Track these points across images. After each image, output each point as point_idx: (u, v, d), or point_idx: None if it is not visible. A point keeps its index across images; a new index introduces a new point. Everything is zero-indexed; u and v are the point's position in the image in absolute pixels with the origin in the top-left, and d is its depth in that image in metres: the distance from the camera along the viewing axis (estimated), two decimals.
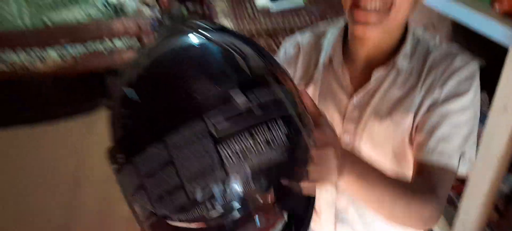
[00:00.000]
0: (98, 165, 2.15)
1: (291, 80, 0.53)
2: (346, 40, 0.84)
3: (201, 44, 0.48)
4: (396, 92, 0.79)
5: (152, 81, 0.47)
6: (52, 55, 2.32)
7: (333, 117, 0.85)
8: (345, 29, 0.85)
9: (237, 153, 0.41)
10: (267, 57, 0.50)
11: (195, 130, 0.41)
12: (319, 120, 0.56)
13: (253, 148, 0.42)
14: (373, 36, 0.76)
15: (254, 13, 2.59)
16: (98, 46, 2.40)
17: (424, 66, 0.78)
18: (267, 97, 0.44)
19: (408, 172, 0.82)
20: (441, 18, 1.62)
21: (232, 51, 0.46)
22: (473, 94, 0.75)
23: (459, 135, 0.74)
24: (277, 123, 0.44)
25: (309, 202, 0.54)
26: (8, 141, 2.39)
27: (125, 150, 0.47)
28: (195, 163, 0.41)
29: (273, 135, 0.43)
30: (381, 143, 0.80)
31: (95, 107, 2.60)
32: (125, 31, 2.41)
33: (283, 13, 2.54)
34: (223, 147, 0.41)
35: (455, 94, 0.74)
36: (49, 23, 2.44)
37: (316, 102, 0.80)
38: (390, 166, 0.82)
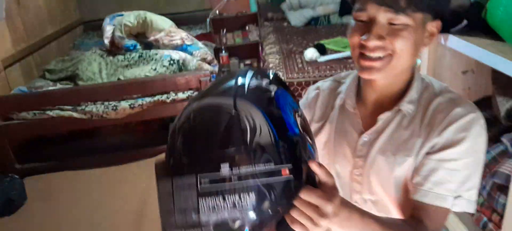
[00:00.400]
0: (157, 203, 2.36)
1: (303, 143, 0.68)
2: (359, 86, 0.94)
3: (228, 113, 0.65)
4: (401, 134, 0.86)
5: (182, 131, 0.68)
6: (124, 105, 2.61)
7: (345, 152, 0.93)
8: (359, 76, 0.94)
9: (209, 207, 0.59)
10: (278, 120, 0.65)
11: (190, 180, 0.61)
12: (323, 178, 0.69)
13: (221, 206, 0.59)
14: (379, 81, 0.86)
15: (303, 65, 2.77)
16: (164, 97, 2.66)
17: (427, 111, 0.84)
18: (247, 172, 0.60)
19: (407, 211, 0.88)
20: (481, 64, 1.69)
21: (244, 121, 0.63)
22: (471, 143, 0.79)
23: (454, 180, 0.79)
24: (248, 193, 0.60)
25: None
26: (80, 181, 2.66)
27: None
28: (183, 201, 0.61)
29: (241, 201, 0.59)
30: (387, 178, 0.87)
31: (158, 152, 2.86)
32: (187, 85, 2.66)
33: (329, 62, 2.70)
34: (202, 199, 0.60)
35: (452, 143, 0.79)
36: (122, 79, 2.78)
37: (332, 139, 0.93)
38: (396, 198, 0.89)
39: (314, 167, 0.68)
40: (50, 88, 2.83)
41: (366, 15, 0.78)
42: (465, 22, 1.54)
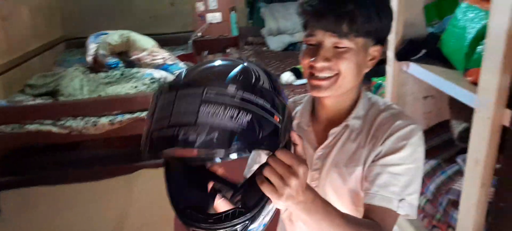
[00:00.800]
0: (136, 218, 2.41)
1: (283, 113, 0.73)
2: (314, 106, 1.04)
3: (234, 61, 0.74)
4: (350, 147, 0.95)
5: (193, 67, 0.75)
6: (103, 121, 2.67)
7: None
8: (313, 97, 1.03)
9: (208, 112, 0.63)
10: (276, 90, 0.72)
11: (196, 90, 0.65)
12: (298, 150, 0.75)
13: (220, 115, 0.63)
14: (328, 100, 0.96)
15: None
16: (143, 114, 2.73)
17: (373, 125, 0.94)
18: (249, 98, 0.66)
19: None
20: (440, 90, 1.84)
21: (252, 71, 0.71)
22: (411, 150, 0.88)
23: (397, 184, 0.87)
24: (245, 113, 0.65)
25: (262, 199, 0.71)
26: (58, 196, 2.68)
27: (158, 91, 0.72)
28: (184, 106, 0.65)
29: (238, 116, 0.64)
30: (340, 188, 0.95)
31: (135, 169, 2.89)
32: None
33: (304, 86, 2.84)
34: (204, 105, 0.64)
35: (394, 150, 0.89)
36: (104, 95, 2.84)
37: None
38: (349, 207, 0.96)
39: (295, 136, 0.74)
40: (30, 103, 2.86)
41: (314, 39, 0.88)
42: (424, 51, 1.69)
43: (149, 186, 2.74)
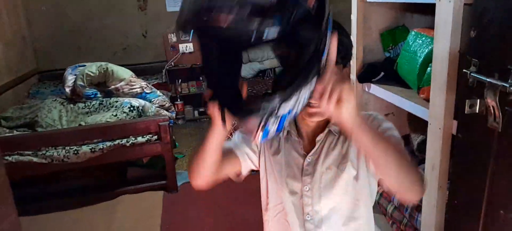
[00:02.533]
0: None
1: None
2: (295, 120, 1.11)
3: None
4: (337, 148, 1.06)
5: None
6: (85, 149, 2.73)
7: (295, 173, 1.09)
8: None
9: None
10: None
11: None
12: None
13: None
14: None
15: None
16: (124, 141, 2.81)
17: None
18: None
19: (362, 207, 1.07)
20: (399, 108, 2.06)
21: None
22: (385, 123, 1.03)
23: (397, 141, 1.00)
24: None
25: (299, 84, 0.72)
26: (36, 227, 2.68)
27: None
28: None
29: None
30: (334, 187, 1.05)
31: (116, 195, 2.96)
32: (147, 129, 2.84)
33: None
34: None
35: (376, 128, 1.01)
36: (83, 124, 2.91)
37: (284, 164, 1.10)
38: (345, 201, 1.07)
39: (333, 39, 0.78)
40: (7, 134, 2.88)
41: None
42: (382, 73, 1.91)
43: (131, 211, 2.81)
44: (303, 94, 0.75)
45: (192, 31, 0.71)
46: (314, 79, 0.75)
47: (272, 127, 0.76)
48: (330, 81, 0.77)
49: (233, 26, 0.65)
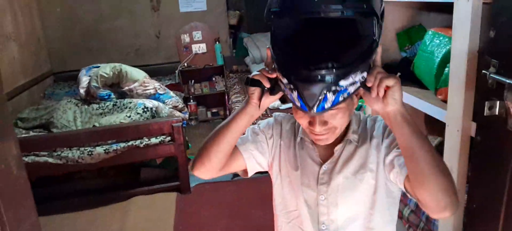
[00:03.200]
0: None
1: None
2: None
3: None
4: (354, 158, 1.03)
5: None
6: (99, 151, 2.76)
7: (310, 182, 1.06)
8: None
9: None
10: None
11: None
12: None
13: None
14: None
15: (266, 112, 3.06)
16: (137, 142, 2.83)
17: (368, 133, 1.05)
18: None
19: (379, 218, 1.04)
20: (416, 109, 2.03)
21: None
22: None
23: None
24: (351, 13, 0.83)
25: (357, 65, 0.83)
26: (52, 227, 2.73)
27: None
28: None
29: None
30: (350, 196, 1.03)
31: (129, 196, 2.99)
32: (160, 130, 2.86)
33: (289, 109, 3.01)
34: None
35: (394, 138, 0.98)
36: (98, 126, 2.94)
37: (299, 172, 1.09)
38: (361, 212, 1.04)
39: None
40: (23, 135, 2.93)
41: None
42: (398, 74, 1.88)
43: (144, 212, 2.83)
44: (358, 77, 0.84)
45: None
46: (367, 66, 0.85)
47: (330, 98, 0.84)
48: (381, 71, 0.84)
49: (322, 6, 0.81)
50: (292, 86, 0.86)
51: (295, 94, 0.86)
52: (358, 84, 0.85)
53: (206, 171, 1.04)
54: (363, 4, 0.84)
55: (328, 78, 0.82)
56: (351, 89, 0.85)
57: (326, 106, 0.85)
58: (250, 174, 1.14)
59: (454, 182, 0.85)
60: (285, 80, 0.88)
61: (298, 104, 0.87)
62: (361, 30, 0.86)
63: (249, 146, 1.11)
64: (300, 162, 1.09)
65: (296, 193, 1.10)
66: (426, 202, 0.85)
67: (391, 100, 0.83)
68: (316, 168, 1.07)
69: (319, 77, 0.82)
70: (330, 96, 0.84)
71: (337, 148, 1.05)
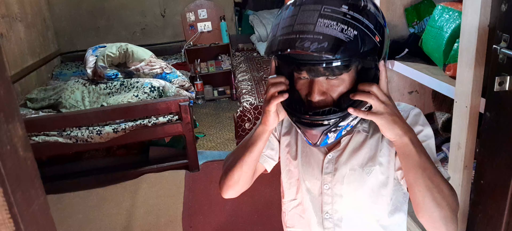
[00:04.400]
0: (144, 220, 2.52)
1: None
2: None
3: None
4: (364, 149, 0.99)
5: None
6: (108, 130, 2.79)
7: (313, 171, 1.04)
8: None
9: (324, 23, 0.78)
10: (379, 13, 0.86)
11: (315, 7, 0.80)
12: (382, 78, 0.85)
13: (333, 26, 0.78)
14: None
15: None
16: (145, 121, 2.85)
17: None
18: (358, 17, 0.80)
19: (383, 209, 1.01)
20: (423, 86, 2.01)
21: (363, 2, 0.83)
22: (426, 128, 0.96)
23: (433, 155, 0.94)
24: (354, 28, 0.79)
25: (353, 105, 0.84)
26: (63, 204, 2.79)
27: None
28: (305, 18, 0.80)
29: (348, 29, 0.78)
30: (358, 189, 1.00)
31: (139, 174, 3.03)
32: (167, 109, 2.87)
33: None
34: (321, 18, 0.79)
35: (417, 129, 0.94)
36: (106, 106, 2.96)
37: (300, 160, 1.07)
38: (367, 206, 1.01)
39: (381, 66, 0.86)
40: (33, 116, 2.96)
41: (304, 74, 0.89)
42: (406, 50, 1.86)
43: (154, 189, 2.87)
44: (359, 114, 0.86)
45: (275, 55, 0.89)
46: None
47: (331, 136, 0.90)
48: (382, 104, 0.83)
49: (313, 54, 0.80)
50: (297, 123, 0.91)
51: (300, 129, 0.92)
52: (359, 119, 0.90)
53: (237, 193, 1.07)
54: (359, 47, 0.80)
55: (327, 123, 0.86)
56: (354, 122, 0.90)
57: (329, 142, 0.91)
58: (269, 170, 1.15)
59: (456, 208, 0.88)
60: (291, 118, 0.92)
61: (303, 138, 0.93)
62: (362, 63, 0.87)
63: (263, 152, 1.10)
64: (304, 150, 1.07)
65: (296, 182, 1.09)
66: (424, 224, 0.90)
67: (387, 134, 0.85)
68: (320, 156, 1.04)
69: (318, 122, 0.86)
70: (332, 135, 0.89)
71: (345, 138, 1.00)
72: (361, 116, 0.85)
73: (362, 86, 0.84)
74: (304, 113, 0.88)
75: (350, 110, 0.84)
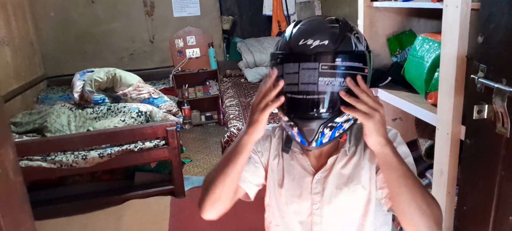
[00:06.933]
0: None
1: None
2: None
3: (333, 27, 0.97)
4: (347, 169, 1.04)
5: (304, 34, 0.96)
6: (93, 155, 2.75)
7: (301, 193, 1.06)
8: None
9: (324, 81, 0.91)
10: (367, 47, 0.99)
11: (314, 65, 0.91)
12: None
13: (333, 83, 0.92)
14: None
15: None
16: (132, 146, 2.83)
17: (362, 143, 1.04)
18: (351, 65, 0.92)
19: (372, 223, 1.04)
20: (407, 113, 2.06)
21: (350, 40, 0.95)
22: (403, 147, 1.02)
23: (413, 170, 0.97)
24: (349, 76, 0.91)
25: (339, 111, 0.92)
26: (48, 230, 2.73)
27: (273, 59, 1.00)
28: (307, 78, 0.91)
29: (344, 81, 0.91)
30: (345, 209, 1.04)
31: (123, 200, 2.98)
32: (154, 134, 2.86)
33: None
34: (321, 77, 0.91)
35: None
36: (91, 129, 2.93)
37: (286, 184, 1.08)
38: (354, 224, 1.04)
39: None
40: (17, 140, 2.91)
41: None
42: (389, 78, 1.91)
43: (138, 216, 2.82)
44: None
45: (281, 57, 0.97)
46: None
47: (327, 134, 0.94)
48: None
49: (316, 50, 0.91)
50: (292, 123, 0.95)
51: (295, 130, 0.96)
52: (352, 121, 0.97)
53: (217, 212, 1.05)
54: (355, 47, 0.94)
55: (325, 115, 0.93)
56: (346, 125, 0.96)
57: (324, 141, 0.95)
58: (252, 198, 1.13)
59: (440, 220, 0.91)
60: (285, 118, 0.97)
61: (298, 140, 0.96)
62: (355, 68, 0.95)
63: (246, 176, 1.09)
64: (290, 173, 1.09)
65: (281, 208, 1.10)
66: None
67: (372, 140, 0.89)
68: (308, 177, 1.06)
69: (316, 115, 0.93)
70: (328, 132, 0.94)
71: (332, 158, 1.05)
72: (352, 113, 0.90)
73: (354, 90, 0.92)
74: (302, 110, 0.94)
75: (343, 108, 0.90)
